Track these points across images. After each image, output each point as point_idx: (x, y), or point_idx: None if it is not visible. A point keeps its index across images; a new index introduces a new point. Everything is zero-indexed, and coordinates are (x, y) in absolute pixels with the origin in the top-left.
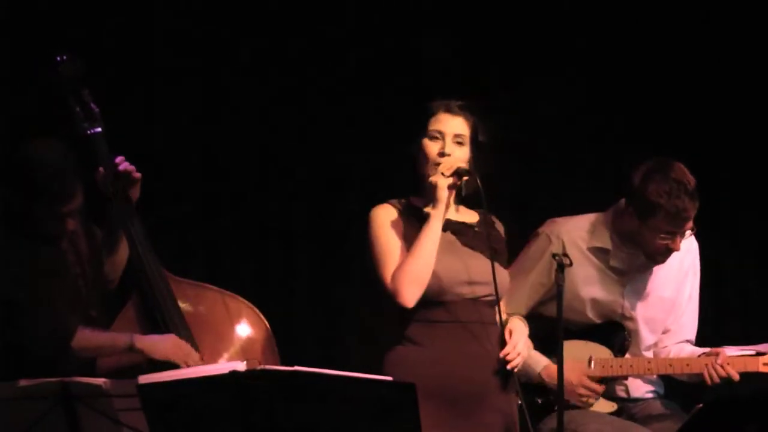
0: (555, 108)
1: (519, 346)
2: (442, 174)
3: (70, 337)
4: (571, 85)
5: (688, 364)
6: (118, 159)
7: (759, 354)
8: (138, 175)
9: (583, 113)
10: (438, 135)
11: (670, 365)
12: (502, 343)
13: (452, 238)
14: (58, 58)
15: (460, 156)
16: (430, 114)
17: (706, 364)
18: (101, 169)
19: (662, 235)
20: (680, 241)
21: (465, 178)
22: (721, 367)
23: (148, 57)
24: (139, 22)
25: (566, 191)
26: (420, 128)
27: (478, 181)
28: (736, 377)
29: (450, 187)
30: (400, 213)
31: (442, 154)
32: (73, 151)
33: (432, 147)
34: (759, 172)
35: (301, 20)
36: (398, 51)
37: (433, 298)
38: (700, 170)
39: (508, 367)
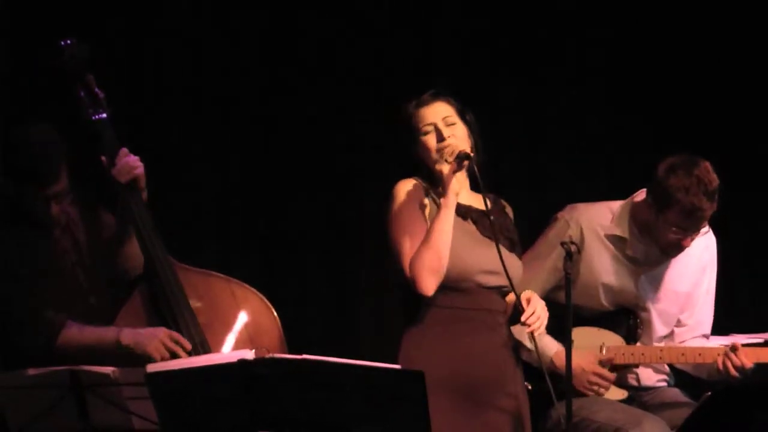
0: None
1: (538, 311)
2: (446, 161)
3: (55, 334)
4: (588, 73)
5: (700, 354)
6: (122, 152)
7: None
8: (139, 170)
9: (601, 99)
10: (429, 127)
11: (682, 354)
12: (516, 316)
13: (471, 227)
14: (63, 43)
15: (458, 134)
16: (411, 118)
17: (721, 354)
18: (103, 158)
19: (674, 230)
20: (691, 239)
21: (466, 162)
22: (737, 357)
23: (157, 49)
24: (146, 11)
25: (582, 175)
26: (411, 134)
27: (475, 166)
28: (749, 365)
29: (455, 172)
30: (425, 189)
31: (441, 140)
32: (62, 134)
33: (430, 141)
34: None
35: (308, 17)
36: (405, 49)
37: (451, 285)
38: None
39: (528, 330)
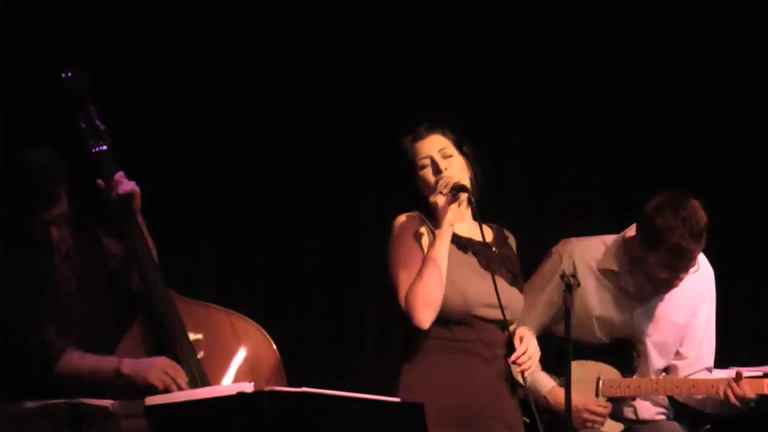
0: (569, 116)
1: (530, 350)
2: (441, 193)
3: (55, 360)
4: (585, 92)
5: (694, 385)
6: (118, 175)
7: (767, 375)
8: (134, 188)
9: (597, 122)
10: (426, 161)
11: (677, 386)
12: (511, 350)
13: (472, 260)
14: (64, 75)
15: (456, 166)
16: (407, 151)
17: (723, 383)
18: (99, 181)
19: (662, 269)
20: (681, 277)
21: (461, 194)
22: (740, 387)
23: (157, 72)
24: (145, 36)
25: (580, 204)
26: (410, 167)
27: (471, 196)
28: (751, 395)
29: (450, 204)
30: (425, 223)
31: (438, 173)
32: (63, 160)
33: (428, 174)
34: None
35: (307, 29)
36: (409, 58)
37: (451, 318)
38: (711, 188)
39: (519, 370)
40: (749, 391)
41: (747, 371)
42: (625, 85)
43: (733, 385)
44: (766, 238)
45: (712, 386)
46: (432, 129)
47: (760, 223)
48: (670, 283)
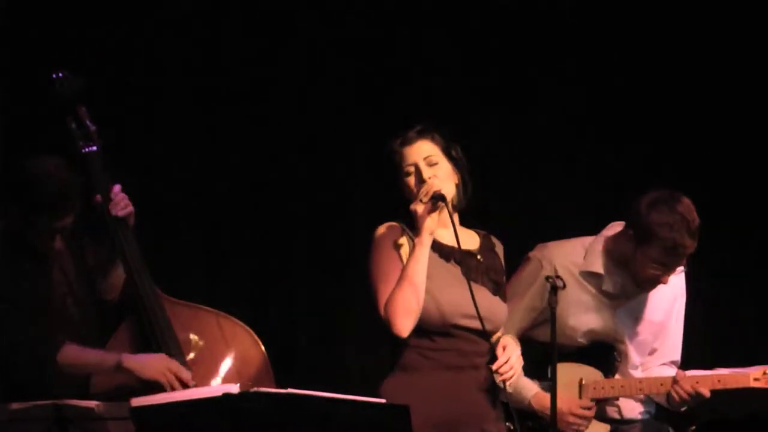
0: (556, 122)
1: (512, 360)
2: (420, 201)
3: (54, 352)
4: (571, 98)
5: (663, 384)
6: (116, 189)
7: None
8: (131, 209)
9: (583, 125)
10: (411, 168)
11: (661, 384)
12: (494, 360)
13: (455, 269)
14: (54, 76)
15: (441, 174)
16: (394, 156)
17: (672, 383)
18: (98, 197)
19: (654, 265)
20: (669, 276)
21: (440, 203)
22: (690, 386)
23: (149, 73)
24: (139, 36)
25: (563, 207)
26: (396, 171)
27: (448, 205)
28: (706, 395)
29: (429, 213)
30: (406, 233)
31: (421, 182)
32: (78, 173)
33: (412, 182)
34: (759, 189)
35: (295, 49)
36: (400, 64)
37: (431, 328)
38: (699, 188)
39: (501, 379)
40: (703, 389)
41: (729, 371)
42: (613, 89)
43: (675, 386)
44: (751, 240)
45: (672, 384)
46: (421, 134)
47: (747, 226)
48: (656, 282)
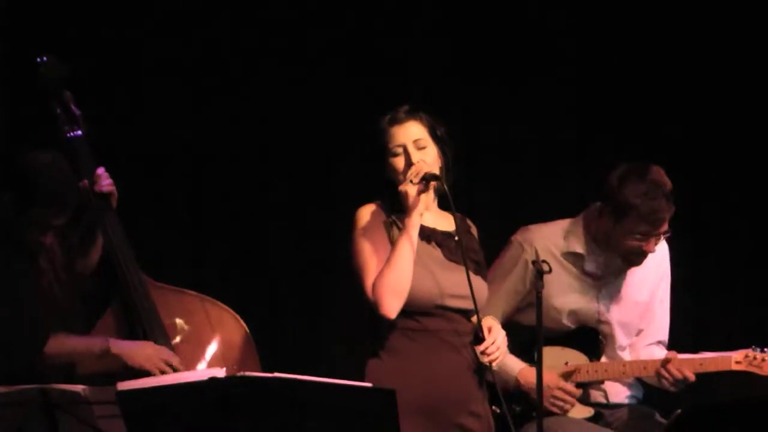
0: (540, 110)
1: (498, 341)
2: (411, 182)
3: (43, 341)
4: (559, 86)
5: (645, 367)
6: (99, 170)
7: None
8: (114, 188)
9: (568, 114)
10: (399, 149)
11: (644, 367)
12: (478, 339)
13: (436, 251)
14: (39, 60)
15: (428, 158)
16: (382, 133)
17: (660, 366)
18: (85, 182)
19: (637, 236)
20: (655, 243)
21: (433, 183)
22: (677, 369)
23: (136, 61)
24: (128, 24)
25: (548, 193)
26: (382, 150)
27: (445, 185)
28: (692, 378)
29: (420, 193)
30: (387, 213)
31: (409, 164)
32: (75, 170)
33: (398, 162)
34: (742, 176)
35: (282, 42)
36: (389, 57)
37: (415, 309)
38: (683, 176)
39: (487, 360)
40: (689, 373)
41: (712, 355)
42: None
43: (662, 370)
44: (735, 225)
45: (660, 366)
46: (411, 115)
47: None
48: (642, 253)
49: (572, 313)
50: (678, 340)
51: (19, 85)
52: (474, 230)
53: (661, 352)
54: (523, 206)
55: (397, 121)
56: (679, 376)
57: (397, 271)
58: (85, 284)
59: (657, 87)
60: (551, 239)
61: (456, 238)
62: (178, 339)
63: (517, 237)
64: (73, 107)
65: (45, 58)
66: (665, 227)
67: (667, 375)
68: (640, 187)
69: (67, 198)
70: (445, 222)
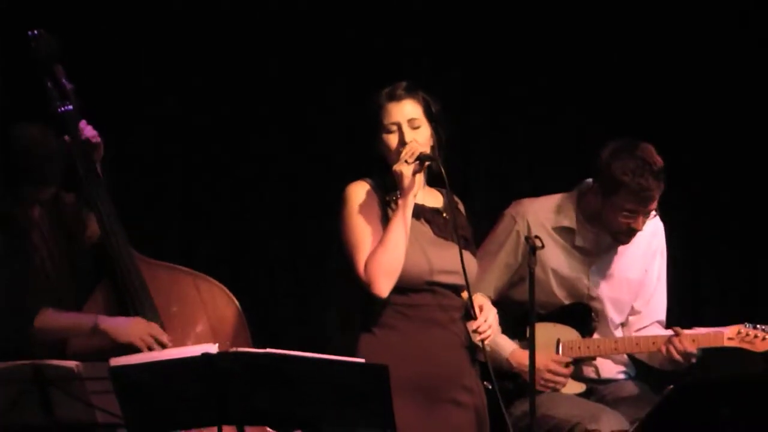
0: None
1: (490, 319)
2: (405, 162)
3: (31, 317)
4: (549, 67)
5: (654, 342)
6: (82, 124)
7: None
8: (98, 139)
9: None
10: (393, 126)
11: (636, 344)
12: (469, 316)
13: (425, 227)
14: (30, 33)
15: (420, 139)
16: (378, 109)
17: (666, 340)
18: (66, 137)
19: (625, 213)
20: (643, 221)
21: (427, 163)
22: (680, 342)
23: (132, 41)
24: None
25: (542, 170)
26: (376, 125)
27: (441, 165)
28: (691, 349)
29: (415, 174)
30: (377, 191)
31: (403, 144)
32: (61, 142)
33: (392, 140)
34: (734, 159)
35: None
36: (380, 55)
37: (406, 286)
38: (677, 155)
39: (479, 338)
40: (690, 345)
41: (705, 331)
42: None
43: (674, 340)
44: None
45: (654, 343)
46: (409, 93)
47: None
48: (630, 231)
49: (563, 285)
50: (670, 319)
51: (10, 59)
52: (461, 206)
53: (660, 332)
54: (518, 183)
55: (394, 97)
56: (691, 349)
57: (391, 251)
58: (76, 259)
59: (658, 65)
60: (543, 213)
61: (444, 215)
62: (168, 314)
63: (510, 210)
64: (64, 81)
65: (36, 32)
66: (653, 205)
67: (673, 351)
68: (629, 164)
69: (52, 171)
70: (432, 198)
